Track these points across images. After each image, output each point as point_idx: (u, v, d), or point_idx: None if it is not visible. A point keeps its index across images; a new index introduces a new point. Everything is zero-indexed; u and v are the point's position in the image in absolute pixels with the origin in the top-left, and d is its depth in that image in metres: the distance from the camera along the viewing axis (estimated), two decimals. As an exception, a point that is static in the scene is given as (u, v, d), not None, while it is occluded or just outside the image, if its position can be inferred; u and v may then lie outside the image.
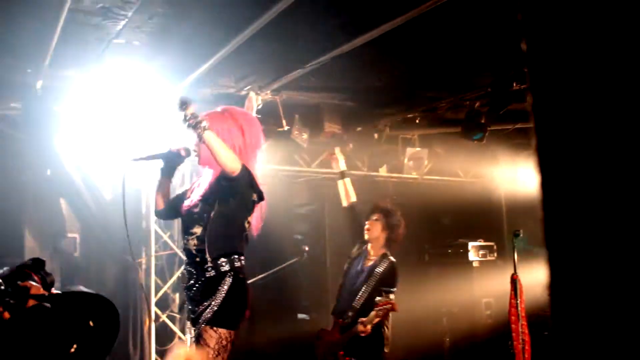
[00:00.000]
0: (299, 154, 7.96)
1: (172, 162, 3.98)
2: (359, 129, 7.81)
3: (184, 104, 3.52)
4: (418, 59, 5.93)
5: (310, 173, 8.19)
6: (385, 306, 5.29)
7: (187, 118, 3.51)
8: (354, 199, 5.92)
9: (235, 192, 3.69)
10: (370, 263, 5.63)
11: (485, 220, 9.29)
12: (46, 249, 6.36)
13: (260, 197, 3.81)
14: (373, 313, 5.31)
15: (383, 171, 8.61)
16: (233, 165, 3.55)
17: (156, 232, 7.13)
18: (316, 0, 4.51)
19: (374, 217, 5.71)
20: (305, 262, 6.98)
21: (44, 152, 6.36)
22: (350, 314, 5.51)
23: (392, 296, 5.46)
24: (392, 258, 5.61)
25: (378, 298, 5.36)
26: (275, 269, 6.76)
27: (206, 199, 3.75)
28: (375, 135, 7.97)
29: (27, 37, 5.01)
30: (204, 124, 3.50)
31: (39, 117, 6.22)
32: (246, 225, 3.78)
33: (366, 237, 5.70)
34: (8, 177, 6.23)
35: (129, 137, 6.47)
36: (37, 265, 4.11)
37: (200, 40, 5.16)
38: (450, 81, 6.57)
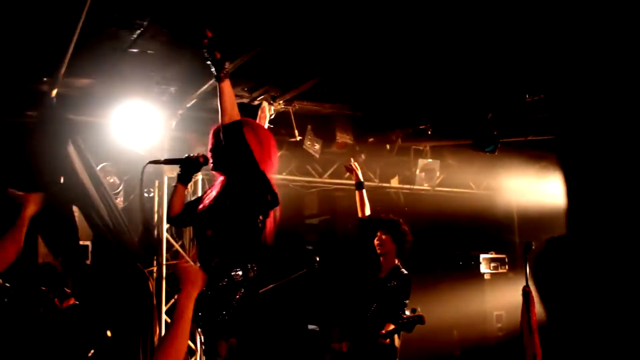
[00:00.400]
0: (311, 164, 7.96)
1: (189, 168, 4.00)
2: (371, 139, 7.80)
3: (221, 50, 3.56)
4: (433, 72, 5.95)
5: (322, 183, 8.19)
6: (409, 320, 5.24)
7: (213, 56, 3.53)
8: (368, 212, 5.82)
9: (245, 191, 3.68)
10: (383, 276, 5.59)
11: (497, 232, 9.26)
12: (58, 257, 6.39)
13: (275, 201, 3.79)
14: (392, 326, 5.27)
15: (395, 182, 8.58)
16: (232, 114, 3.58)
17: (167, 240, 7.14)
18: (331, 12, 4.54)
19: (382, 231, 5.65)
20: (315, 272, 6.96)
21: (57, 159, 6.39)
22: (362, 325, 5.46)
23: (419, 309, 5.40)
24: (404, 271, 5.57)
25: (400, 311, 5.33)
26: (285, 279, 6.75)
27: (219, 200, 3.75)
28: (387, 146, 7.96)
29: (43, 45, 5.06)
30: (226, 70, 3.55)
31: (54, 125, 6.26)
32: (259, 224, 3.75)
33: (378, 252, 5.67)
34: (22, 184, 6.25)
35: (142, 145, 6.50)
36: (48, 272, 4.15)
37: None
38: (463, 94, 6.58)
